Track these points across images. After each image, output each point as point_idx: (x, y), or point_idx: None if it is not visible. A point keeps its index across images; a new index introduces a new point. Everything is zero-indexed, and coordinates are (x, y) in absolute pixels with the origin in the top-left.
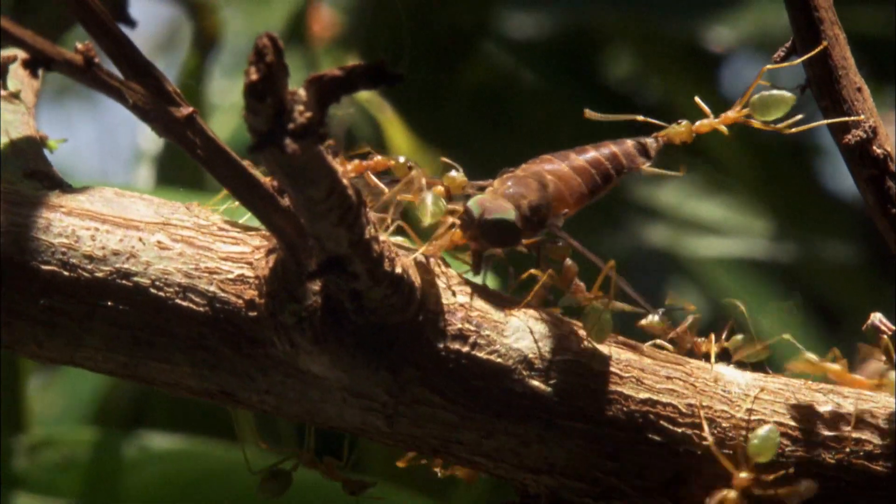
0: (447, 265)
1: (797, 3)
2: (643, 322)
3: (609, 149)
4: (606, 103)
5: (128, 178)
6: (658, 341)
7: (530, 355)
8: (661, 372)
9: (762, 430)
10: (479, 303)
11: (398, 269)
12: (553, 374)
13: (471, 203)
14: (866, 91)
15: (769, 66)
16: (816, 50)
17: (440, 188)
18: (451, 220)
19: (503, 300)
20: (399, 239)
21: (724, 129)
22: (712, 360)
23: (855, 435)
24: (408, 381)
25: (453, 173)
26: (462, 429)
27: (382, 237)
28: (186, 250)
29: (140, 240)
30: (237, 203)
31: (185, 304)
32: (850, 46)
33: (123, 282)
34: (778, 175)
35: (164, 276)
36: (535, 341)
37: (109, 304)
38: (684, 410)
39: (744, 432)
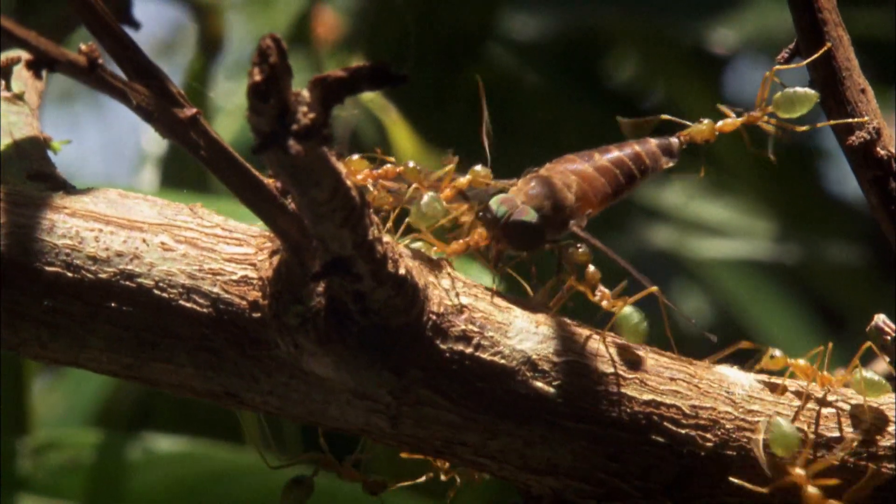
0: (451, 266)
1: (801, 5)
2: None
3: (633, 148)
4: (610, 105)
5: (132, 180)
6: None
7: (534, 357)
8: (665, 373)
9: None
10: (483, 304)
11: (402, 271)
12: (556, 376)
13: (493, 202)
14: (870, 92)
15: (777, 68)
16: (821, 51)
17: (464, 180)
18: (466, 218)
19: (510, 303)
20: (419, 245)
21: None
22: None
23: (860, 436)
24: (411, 382)
25: (478, 167)
26: (465, 430)
27: (386, 238)
28: (190, 251)
29: (144, 241)
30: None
31: (188, 305)
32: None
33: (127, 283)
34: (782, 177)
35: (168, 277)
36: (539, 343)
37: (113, 305)
38: (688, 412)
39: (747, 433)
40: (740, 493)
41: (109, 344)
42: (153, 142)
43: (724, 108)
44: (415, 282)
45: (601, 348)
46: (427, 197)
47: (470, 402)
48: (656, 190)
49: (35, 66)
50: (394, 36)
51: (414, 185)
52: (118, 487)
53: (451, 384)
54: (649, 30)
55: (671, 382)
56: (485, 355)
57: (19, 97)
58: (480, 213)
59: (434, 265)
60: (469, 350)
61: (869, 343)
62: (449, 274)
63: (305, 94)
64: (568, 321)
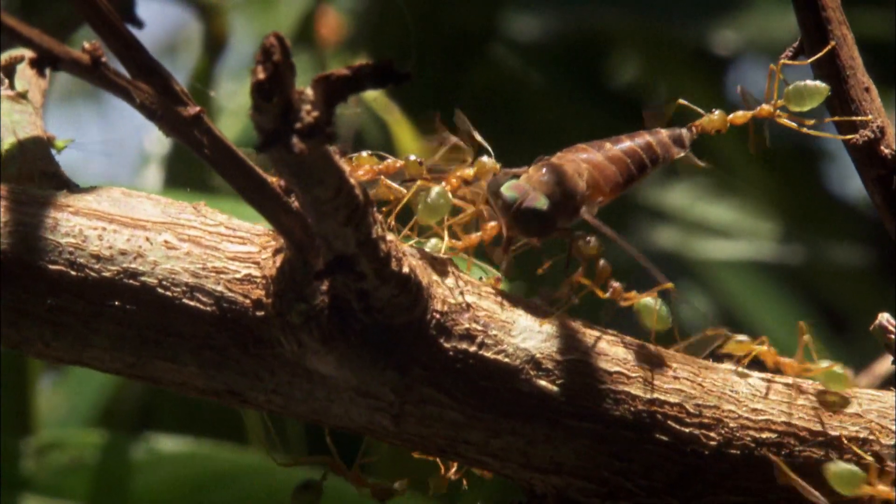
0: (455, 265)
1: (805, 4)
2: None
3: (644, 138)
4: (613, 106)
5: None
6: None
7: (538, 355)
8: (669, 372)
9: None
10: (487, 302)
11: (405, 269)
12: (560, 374)
13: (504, 188)
14: (874, 91)
15: (785, 62)
16: (824, 50)
17: (470, 171)
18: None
19: (514, 301)
20: (433, 242)
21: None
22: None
23: (862, 435)
24: (415, 380)
25: (485, 158)
26: (469, 428)
27: (390, 237)
28: (194, 250)
29: (147, 239)
30: None
31: (192, 303)
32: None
33: (131, 281)
34: (785, 178)
35: (172, 275)
36: (543, 341)
37: (116, 303)
38: (692, 410)
39: (751, 432)
40: (744, 491)
41: (113, 342)
42: (156, 143)
43: (744, 93)
44: (418, 280)
45: (605, 347)
46: (434, 192)
47: (473, 400)
48: (660, 191)
49: (38, 65)
50: (397, 37)
51: (419, 182)
52: (121, 487)
53: (455, 382)
54: (652, 31)
55: (675, 381)
56: (488, 354)
57: (23, 96)
58: (492, 201)
59: (438, 264)
60: (473, 348)
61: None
62: (453, 272)
63: (309, 92)
64: (572, 319)
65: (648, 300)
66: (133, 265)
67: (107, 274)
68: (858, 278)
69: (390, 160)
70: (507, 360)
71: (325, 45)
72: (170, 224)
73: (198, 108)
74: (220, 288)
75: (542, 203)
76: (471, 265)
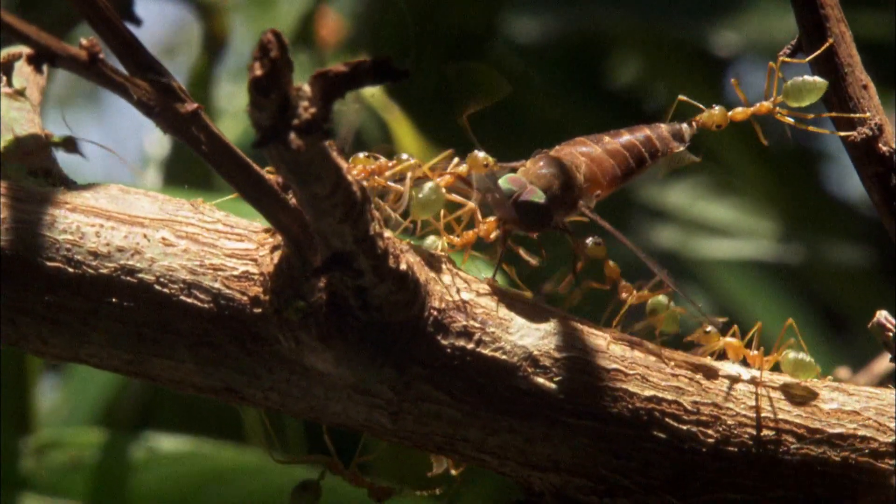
0: (452, 262)
1: (803, 1)
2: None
3: (643, 133)
4: (613, 107)
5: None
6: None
7: (535, 352)
8: (666, 369)
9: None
10: (484, 300)
11: (403, 266)
12: (558, 372)
13: (503, 181)
14: (872, 88)
15: (784, 59)
16: (823, 48)
17: (463, 167)
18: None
19: (511, 298)
20: (432, 239)
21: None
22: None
23: (860, 433)
24: (412, 378)
25: (476, 152)
26: (467, 426)
27: (387, 234)
28: (191, 247)
29: (145, 236)
30: None
31: (189, 300)
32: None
33: (128, 278)
34: (785, 178)
35: (169, 272)
36: (541, 338)
37: (114, 300)
38: (689, 408)
39: (749, 429)
40: (741, 489)
41: (110, 339)
42: (156, 144)
43: (739, 91)
44: (416, 277)
45: (603, 344)
46: (426, 187)
47: (471, 398)
48: (661, 190)
49: (36, 61)
50: (397, 37)
51: (410, 176)
52: (121, 486)
53: (453, 380)
54: (651, 32)
55: (673, 378)
56: (486, 351)
57: (21, 93)
58: (489, 195)
59: (435, 261)
60: (470, 346)
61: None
62: (450, 270)
63: (306, 88)
64: (569, 317)
65: (662, 298)
66: (130, 262)
67: (104, 271)
68: (858, 278)
69: (383, 160)
70: (504, 357)
71: (324, 45)
72: (167, 221)
73: (195, 105)
74: (217, 285)
75: (539, 196)
76: (467, 260)
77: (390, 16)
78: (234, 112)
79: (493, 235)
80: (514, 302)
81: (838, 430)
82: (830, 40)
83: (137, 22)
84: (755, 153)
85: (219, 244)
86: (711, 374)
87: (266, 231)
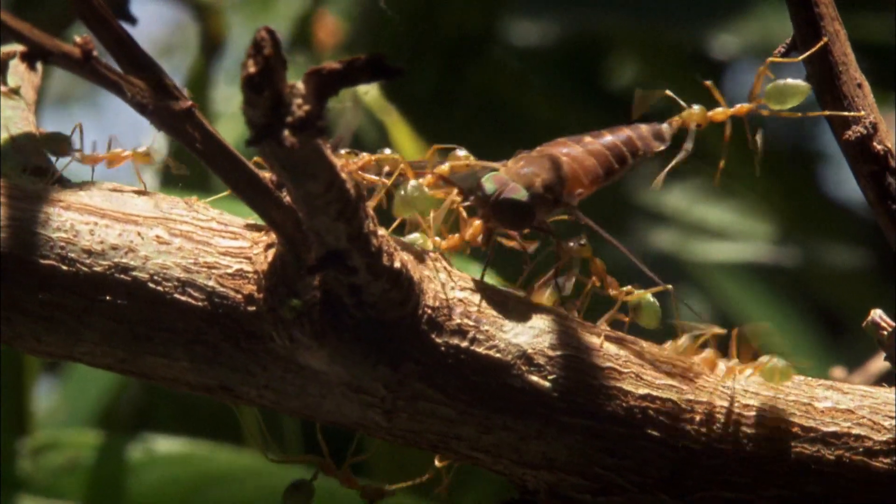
0: (447, 260)
1: (797, 0)
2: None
3: (624, 133)
4: (611, 109)
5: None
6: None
7: (529, 351)
8: (661, 367)
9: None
10: (478, 298)
11: (397, 264)
12: (552, 370)
13: (485, 180)
14: (867, 87)
15: (771, 60)
16: (817, 46)
17: (445, 166)
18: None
19: (505, 296)
20: (416, 236)
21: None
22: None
23: (855, 431)
24: (407, 375)
25: (458, 152)
26: (461, 424)
27: (381, 231)
28: (185, 245)
29: (139, 234)
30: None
31: (183, 298)
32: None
33: (122, 276)
34: (782, 180)
35: (163, 270)
36: (535, 336)
37: (108, 298)
38: (683, 406)
39: (743, 428)
40: (735, 487)
41: (104, 337)
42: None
43: (716, 93)
44: (410, 275)
45: (597, 342)
46: (410, 185)
47: (465, 396)
48: (658, 193)
49: (29, 58)
50: (394, 40)
51: (395, 174)
52: (118, 488)
53: (447, 378)
54: (650, 35)
55: (667, 377)
56: (480, 349)
57: (15, 92)
58: (472, 193)
59: (429, 259)
60: (464, 344)
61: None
62: (445, 268)
63: (300, 86)
64: (563, 315)
65: (647, 297)
66: (124, 260)
67: (98, 269)
68: (855, 280)
69: (365, 155)
70: (498, 355)
71: (322, 47)
72: (161, 219)
73: (189, 103)
74: (211, 283)
75: (521, 194)
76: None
77: (386, 18)
78: (232, 114)
79: (479, 239)
80: (507, 300)
81: (832, 428)
82: (825, 39)
83: (132, 20)
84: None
85: (213, 242)
86: (706, 371)
87: (260, 229)
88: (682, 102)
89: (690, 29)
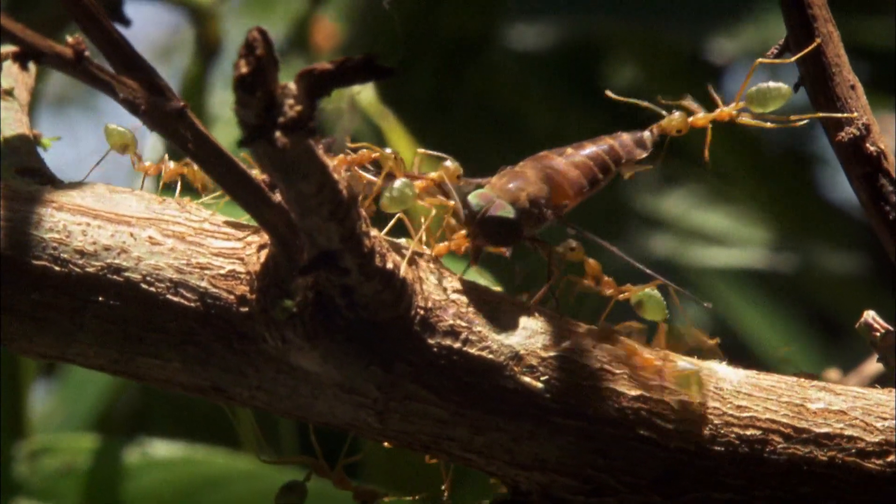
0: (439, 261)
1: (791, 1)
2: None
3: (606, 143)
4: (609, 113)
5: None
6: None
7: (522, 352)
8: (654, 368)
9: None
10: (471, 299)
11: (389, 265)
12: (545, 371)
13: (471, 197)
14: (860, 88)
15: (761, 60)
16: (810, 47)
17: (435, 174)
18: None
19: (498, 298)
20: (402, 241)
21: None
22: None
23: (847, 432)
24: (399, 376)
25: (448, 163)
26: (453, 425)
27: (374, 233)
28: (178, 246)
29: (131, 235)
30: None
31: (176, 299)
32: (851, 58)
33: (114, 277)
34: (779, 185)
35: (156, 271)
36: (527, 338)
37: (100, 299)
38: (676, 407)
39: (735, 429)
40: (728, 488)
41: (97, 338)
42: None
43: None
44: (403, 276)
45: (590, 343)
46: (399, 182)
47: (457, 397)
48: (655, 199)
49: (21, 59)
50: (391, 44)
51: (385, 171)
52: (114, 492)
53: (439, 379)
54: (647, 38)
55: (660, 377)
56: (473, 350)
57: (9, 93)
58: (458, 211)
59: (422, 260)
60: (457, 345)
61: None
62: (437, 269)
63: (292, 86)
64: (556, 316)
65: (648, 290)
66: (117, 261)
67: (91, 269)
68: (852, 285)
69: (364, 151)
70: (491, 356)
71: (318, 51)
72: (154, 220)
73: (182, 103)
74: (204, 284)
75: (508, 211)
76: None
77: (385, 22)
78: (229, 118)
79: (464, 249)
80: (500, 301)
81: (825, 429)
82: (818, 40)
83: (126, 22)
84: (750, 160)
85: (205, 243)
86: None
87: (253, 230)
88: (662, 111)
89: (688, 33)
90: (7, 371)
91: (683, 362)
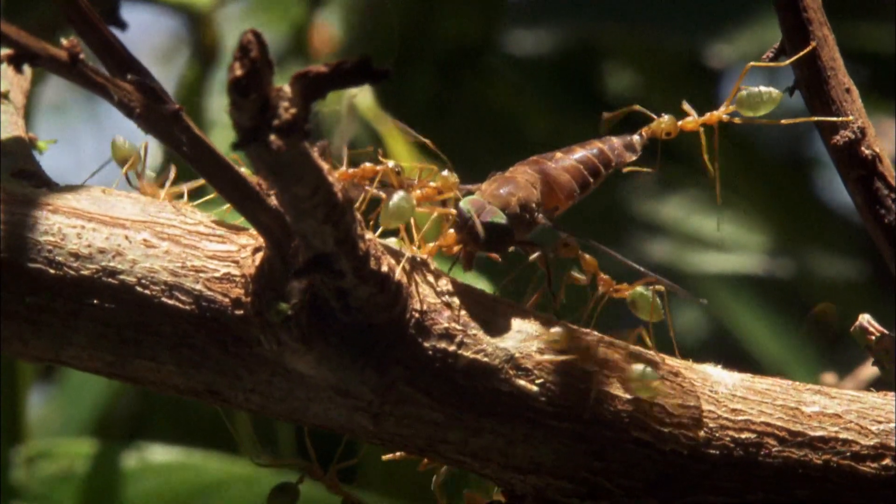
0: (434, 265)
1: (785, 4)
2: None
3: (595, 147)
4: None
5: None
6: None
7: (517, 354)
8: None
9: None
10: (466, 302)
11: (384, 268)
12: (540, 374)
13: (462, 204)
14: (855, 92)
15: (754, 64)
16: (805, 51)
17: (432, 186)
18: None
19: (493, 301)
20: (391, 241)
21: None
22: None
23: (842, 436)
24: (394, 380)
25: (445, 173)
26: (448, 428)
27: (368, 236)
28: (173, 248)
29: (126, 238)
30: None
31: (171, 302)
32: (850, 63)
33: (109, 280)
34: (779, 189)
35: (151, 274)
36: (522, 341)
37: (95, 302)
38: (671, 410)
39: (730, 432)
40: (723, 492)
41: (91, 341)
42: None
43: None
44: (398, 279)
45: (585, 346)
46: (396, 196)
47: (453, 399)
48: (654, 204)
49: (16, 61)
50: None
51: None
52: (112, 497)
53: (434, 382)
54: (646, 44)
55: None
56: (467, 353)
57: (4, 96)
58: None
59: (417, 263)
60: (452, 348)
61: None
62: (432, 272)
63: (287, 89)
64: (552, 319)
65: (641, 289)
66: (112, 263)
67: (85, 272)
68: (850, 290)
69: (367, 164)
70: (486, 359)
71: (317, 57)
72: (149, 222)
73: (176, 106)
74: (199, 286)
75: (499, 217)
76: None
77: (383, 27)
78: (227, 123)
79: (455, 249)
80: (495, 304)
81: (820, 433)
82: (813, 43)
83: (122, 25)
84: (747, 164)
85: (200, 246)
86: (693, 377)
87: (248, 233)
88: (652, 114)
89: (686, 38)
90: (5, 376)
91: (640, 364)
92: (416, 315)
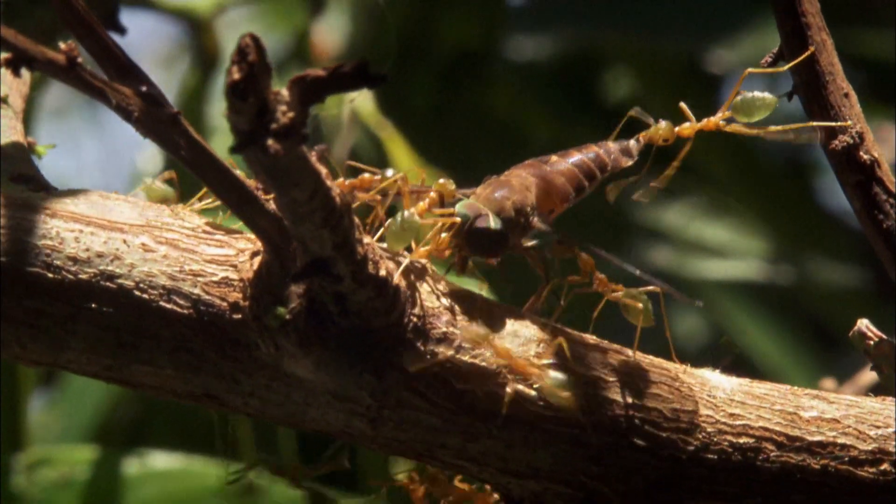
0: (432, 269)
1: (784, 9)
2: None
3: (592, 151)
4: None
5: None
6: None
7: None
8: (647, 376)
9: None
10: (464, 306)
11: (382, 272)
12: (538, 379)
13: (457, 208)
14: (853, 97)
15: (752, 70)
16: (804, 55)
17: (433, 195)
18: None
19: (490, 305)
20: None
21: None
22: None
23: (840, 441)
24: (392, 384)
25: (442, 179)
26: (446, 433)
27: (367, 240)
28: (171, 252)
29: (124, 241)
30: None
31: (169, 306)
32: (849, 68)
33: (107, 284)
34: (777, 194)
35: (149, 278)
36: (520, 345)
37: (93, 306)
38: (669, 415)
39: (728, 437)
40: (721, 496)
41: (90, 345)
42: (148, 160)
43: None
44: (396, 284)
45: (583, 351)
46: (401, 218)
47: (451, 404)
48: (655, 211)
49: (13, 64)
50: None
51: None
52: (113, 503)
53: (432, 386)
54: (647, 50)
55: (653, 385)
56: (466, 357)
57: (3, 100)
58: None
59: (415, 268)
60: (450, 352)
61: None
62: (430, 276)
63: (284, 93)
64: (549, 323)
65: (633, 293)
66: (110, 267)
67: (83, 276)
68: (852, 298)
69: (366, 175)
70: (484, 363)
71: (318, 62)
72: (147, 227)
73: (175, 110)
74: (197, 291)
75: (494, 222)
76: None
77: (384, 33)
78: (227, 129)
79: (447, 253)
80: (493, 309)
81: (818, 437)
82: (811, 48)
83: (121, 30)
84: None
85: (198, 250)
86: (691, 381)
87: (246, 237)
88: (651, 120)
89: (686, 44)
90: (5, 382)
91: (556, 372)
92: (415, 319)
